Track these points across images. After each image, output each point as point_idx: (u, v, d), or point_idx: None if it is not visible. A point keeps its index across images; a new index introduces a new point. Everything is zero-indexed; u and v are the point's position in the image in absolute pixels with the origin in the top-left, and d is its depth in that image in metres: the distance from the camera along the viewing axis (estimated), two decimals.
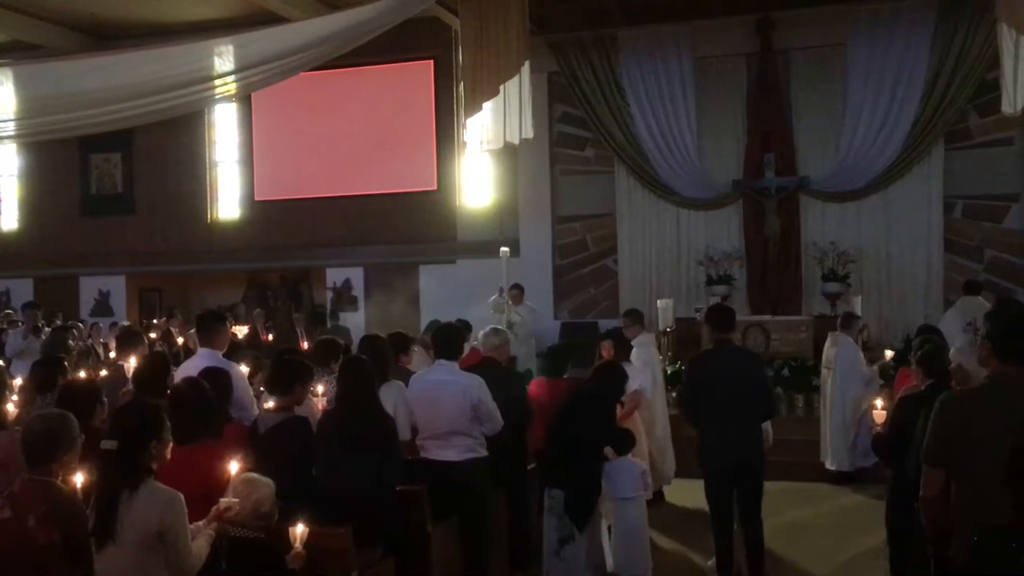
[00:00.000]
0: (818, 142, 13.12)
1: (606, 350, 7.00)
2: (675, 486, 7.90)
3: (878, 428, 5.13)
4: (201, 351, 5.95)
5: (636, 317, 8.23)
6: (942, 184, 12.69)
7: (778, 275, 12.79)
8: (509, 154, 12.62)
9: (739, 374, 5.74)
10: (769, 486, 5.96)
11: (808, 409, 10.21)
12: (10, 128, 9.38)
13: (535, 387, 6.75)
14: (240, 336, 11.16)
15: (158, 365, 5.46)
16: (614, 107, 13.59)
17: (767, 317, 11.44)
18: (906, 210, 12.75)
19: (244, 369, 6.05)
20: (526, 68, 9.05)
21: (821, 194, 12.93)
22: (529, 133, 9.39)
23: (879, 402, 5.37)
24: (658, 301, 12.12)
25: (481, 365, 6.20)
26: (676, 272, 13.57)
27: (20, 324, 11.64)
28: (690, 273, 13.44)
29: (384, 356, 5.85)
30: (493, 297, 11.90)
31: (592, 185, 14.12)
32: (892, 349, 9.54)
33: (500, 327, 7.42)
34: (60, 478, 3.62)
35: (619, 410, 6.58)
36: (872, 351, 11.50)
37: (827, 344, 9.07)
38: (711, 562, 6.18)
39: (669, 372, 10.81)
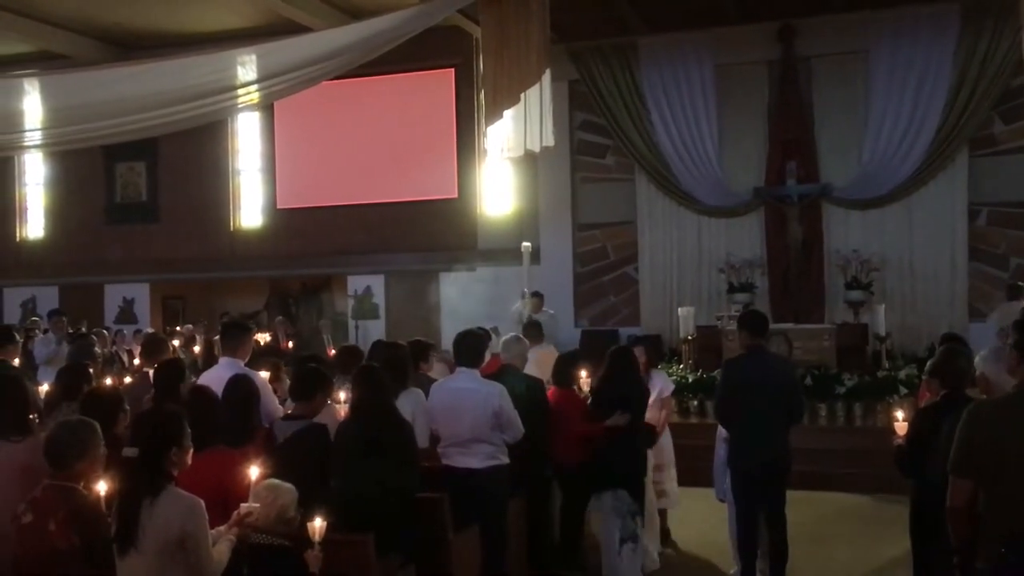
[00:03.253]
0: (840, 149, 13.03)
1: (639, 357, 6.97)
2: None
3: (899, 439, 5.08)
4: (223, 360, 5.98)
5: None
6: (966, 191, 12.58)
7: (800, 283, 12.70)
8: (529, 162, 12.60)
9: (771, 379, 5.81)
10: (791, 495, 5.92)
11: (831, 417, 10.14)
12: (36, 137, 9.50)
13: (549, 397, 6.71)
14: (262, 343, 11.23)
15: (172, 371, 5.51)
16: (635, 115, 13.57)
17: (789, 325, 11.36)
18: (930, 217, 12.63)
19: (264, 374, 6.08)
20: (547, 76, 9.05)
21: (844, 201, 12.85)
22: (550, 141, 9.37)
23: (900, 413, 5.32)
24: (679, 309, 12.08)
25: (501, 372, 6.20)
26: (697, 280, 13.52)
27: (46, 331, 11.76)
28: (711, 281, 13.38)
29: (402, 363, 5.86)
30: (516, 305, 11.89)
31: (613, 193, 14.10)
32: (916, 358, 9.45)
33: (520, 335, 7.42)
34: (83, 484, 3.66)
35: (656, 415, 6.78)
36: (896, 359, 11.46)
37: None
38: (734, 571, 6.14)
39: (691, 380, 10.77)
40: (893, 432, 5.21)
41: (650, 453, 6.75)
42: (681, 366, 11.45)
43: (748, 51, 13.22)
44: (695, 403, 10.66)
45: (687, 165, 13.44)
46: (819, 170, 12.98)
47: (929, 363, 5.17)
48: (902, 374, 10.48)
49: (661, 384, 7.08)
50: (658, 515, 6.97)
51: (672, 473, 7.16)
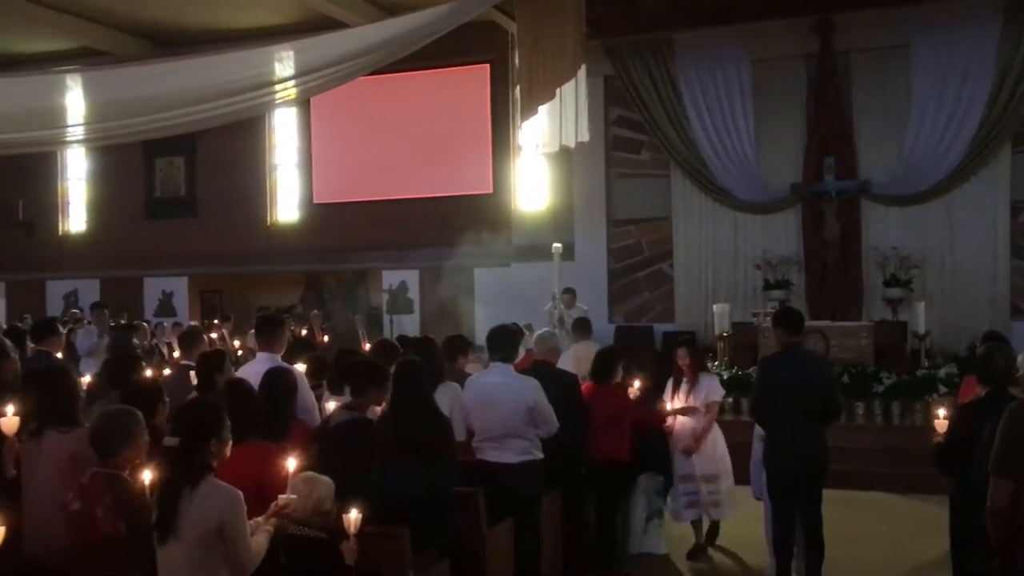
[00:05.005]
0: (880, 145, 12.86)
1: (681, 359, 6.95)
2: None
3: (939, 438, 5.02)
4: (260, 355, 6.04)
5: None
6: (1009, 188, 12.37)
7: (837, 280, 12.56)
8: (564, 157, 12.61)
9: (807, 377, 5.76)
10: (828, 494, 5.87)
11: (868, 416, 10.03)
12: (79, 132, 9.67)
13: (585, 392, 6.72)
14: (301, 335, 11.34)
15: (211, 363, 5.59)
16: (670, 110, 13.50)
17: (826, 323, 11.24)
18: (971, 214, 12.43)
19: (301, 367, 6.15)
20: (582, 72, 9.03)
21: (883, 198, 12.68)
22: (585, 136, 9.35)
23: (941, 411, 5.26)
24: (714, 306, 12.01)
25: (535, 368, 6.21)
26: (732, 276, 13.42)
27: (87, 323, 11.96)
28: (747, 277, 13.28)
29: (437, 358, 5.89)
30: (548, 305, 11.88)
31: (648, 188, 14.03)
32: (956, 357, 9.32)
33: (554, 330, 7.43)
34: (128, 472, 3.73)
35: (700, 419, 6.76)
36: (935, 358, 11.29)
37: None
38: (768, 568, 6.10)
39: (726, 377, 10.70)
40: (933, 430, 5.16)
41: (696, 462, 6.73)
42: (716, 363, 11.38)
43: (785, 46, 13.09)
44: (730, 400, 10.59)
45: (723, 161, 13.34)
46: (858, 166, 12.82)
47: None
48: (942, 373, 10.33)
49: (708, 388, 6.89)
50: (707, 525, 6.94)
51: (727, 484, 6.86)
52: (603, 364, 6.67)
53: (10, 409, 4.35)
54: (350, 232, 15.70)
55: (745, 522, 6.78)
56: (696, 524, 6.93)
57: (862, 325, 11.27)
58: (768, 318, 10.83)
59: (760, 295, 12.77)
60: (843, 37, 12.78)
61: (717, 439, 6.90)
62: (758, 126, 13.21)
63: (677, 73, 13.44)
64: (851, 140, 12.88)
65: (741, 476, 6.79)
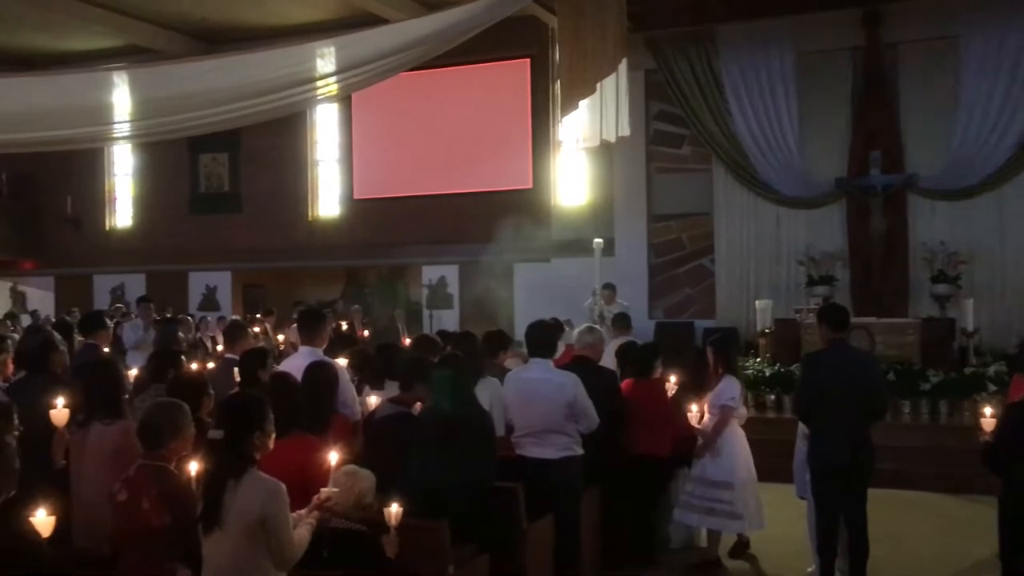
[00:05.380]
0: (928, 139, 12.61)
1: (709, 357, 6.87)
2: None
3: (987, 437, 4.92)
4: (302, 349, 6.10)
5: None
6: None
7: (883, 276, 12.36)
8: (605, 152, 12.56)
9: (852, 374, 5.67)
10: (873, 493, 5.79)
11: (915, 414, 9.87)
12: (125, 129, 9.81)
13: (625, 388, 6.70)
14: (342, 329, 11.43)
15: (254, 358, 5.65)
16: (712, 104, 13.37)
17: (872, 319, 11.08)
18: (1021, 209, 12.16)
19: (343, 362, 6.19)
20: (623, 66, 8.97)
21: (930, 192, 12.45)
22: (625, 131, 9.30)
23: (989, 410, 5.15)
24: (756, 302, 11.89)
25: (575, 363, 6.20)
26: (775, 272, 13.27)
27: (133, 317, 12.16)
28: (790, 273, 13.11)
29: (477, 353, 5.90)
30: (588, 301, 11.86)
31: (689, 183, 13.92)
32: (1006, 355, 9.13)
33: (594, 325, 7.41)
34: (173, 464, 3.78)
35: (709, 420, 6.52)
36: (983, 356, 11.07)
37: None
38: (812, 569, 6.04)
39: (768, 374, 10.60)
40: (981, 429, 5.06)
41: (708, 466, 6.44)
42: (758, 360, 11.27)
43: (831, 38, 12.89)
44: (772, 398, 10.50)
45: (766, 155, 13.19)
46: (904, 160, 12.60)
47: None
48: (991, 371, 10.12)
49: (720, 390, 6.52)
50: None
51: (747, 493, 6.46)
52: (643, 359, 6.65)
53: (60, 401, 4.43)
54: (390, 227, 15.79)
55: (787, 521, 6.71)
56: (713, 535, 6.59)
57: (908, 322, 11.10)
58: (811, 315, 10.72)
59: (803, 291, 12.60)
60: (891, 29, 12.56)
61: (734, 445, 6.47)
62: (802, 120, 13.03)
63: (720, 66, 13.30)
64: (898, 134, 12.65)
65: (782, 474, 6.70)
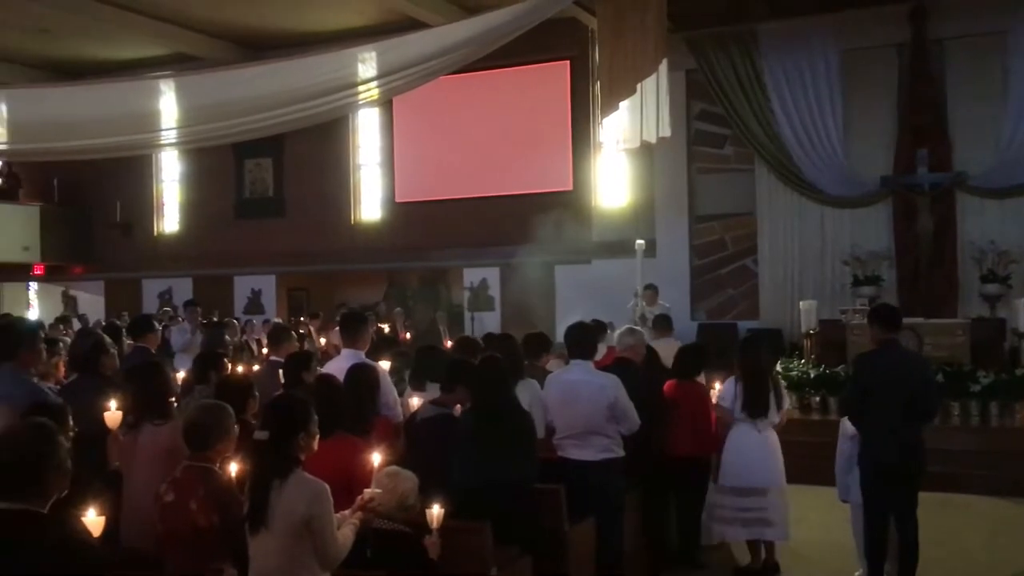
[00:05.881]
0: (976, 136, 12.38)
1: None
2: None
3: None
4: (344, 352, 6.16)
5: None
6: None
7: (931, 276, 12.16)
8: (645, 153, 12.51)
9: (904, 374, 5.61)
10: (923, 496, 5.69)
11: (964, 417, 9.68)
12: (172, 136, 10.01)
13: (668, 389, 6.67)
14: (384, 331, 11.52)
15: (298, 361, 5.72)
16: (755, 103, 13.24)
17: (920, 320, 10.88)
18: None
19: (385, 365, 6.25)
20: (663, 66, 8.95)
21: (979, 190, 12.22)
22: (666, 131, 9.27)
23: None
24: (800, 302, 11.74)
25: (616, 364, 6.18)
26: (820, 272, 13.11)
27: (180, 320, 12.36)
28: (835, 273, 12.96)
29: (516, 355, 5.91)
30: (630, 303, 11.81)
31: (731, 183, 13.82)
32: None
33: (635, 327, 7.38)
34: (218, 465, 3.84)
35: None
36: None
37: None
38: (859, 574, 5.95)
39: (813, 375, 10.47)
40: None
41: (738, 474, 6.27)
42: (803, 361, 11.14)
43: (876, 34, 12.71)
44: (817, 399, 10.37)
45: (810, 154, 13.04)
46: (952, 158, 12.38)
47: None
48: None
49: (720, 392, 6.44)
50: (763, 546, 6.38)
51: (774, 500, 6.25)
52: (686, 360, 6.62)
53: (113, 404, 4.51)
54: (431, 230, 15.86)
55: (832, 524, 6.62)
56: (752, 545, 6.38)
57: (958, 322, 10.89)
58: (857, 315, 10.57)
59: (849, 292, 12.44)
60: (937, 24, 12.35)
61: (764, 450, 6.23)
62: (847, 118, 12.87)
63: (762, 65, 13.18)
64: (945, 131, 12.44)
65: (826, 477, 6.60)
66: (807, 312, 11.35)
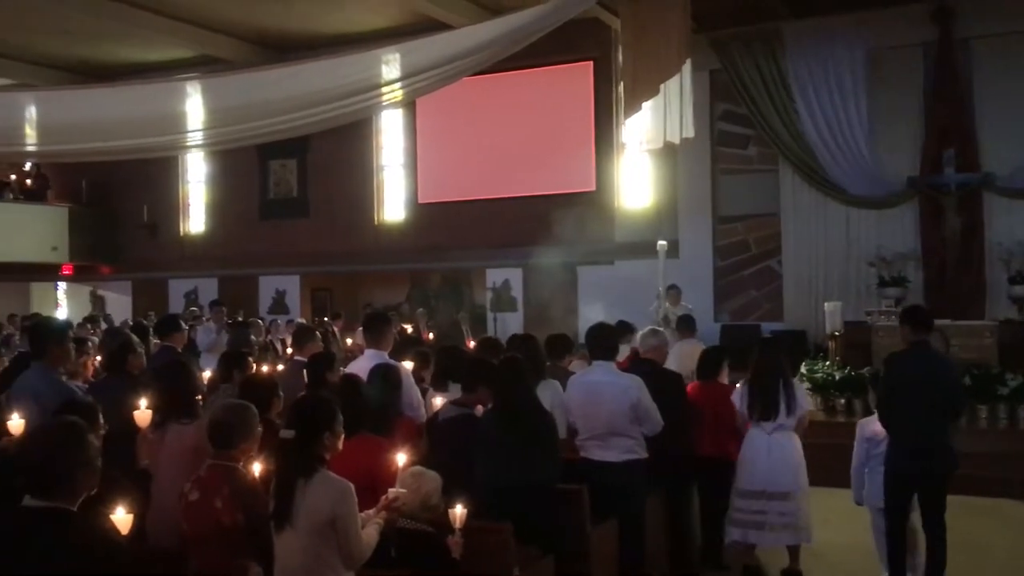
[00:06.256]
0: (1003, 136, 12.23)
1: None
2: None
3: None
4: (368, 352, 6.19)
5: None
6: None
7: (958, 277, 12.05)
8: (669, 154, 12.47)
9: (933, 377, 5.59)
10: (949, 500, 5.64)
11: (992, 420, 9.58)
12: (199, 137, 10.10)
13: (691, 390, 6.66)
14: (408, 332, 11.55)
15: (321, 361, 5.76)
16: (779, 103, 13.17)
17: (947, 321, 10.75)
18: None
19: (409, 365, 6.27)
20: (687, 66, 8.93)
21: (1007, 191, 12.09)
22: (690, 132, 9.25)
23: None
24: (825, 304, 11.64)
25: (638, 365, 6.17)
26: (845, 274, 13.02)
27: (205, 320, 12.47)
28: (860, 275, 12.85)
29: (538, 355, 5.92)
30: (653, 305, 11.78)
31: (755, 184, 13.75)
32: None
33: (659, 328, 7.36)
34: (242, 464, 3.87)
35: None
36: None
37: None
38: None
39: (838, 377, 10.40)
40: None
41: (760, 476, 6.16)
42: (827, 363, 11.06)
43: (901, 34, 12.61)
44: (842, 401, 10.29)
45: (834, 155, 12.94)
46: (979, 158, 12.26)
47: None
48: None
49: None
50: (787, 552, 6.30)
51: (797, 505, 6.13)
52: (709, 361, 6.61)
53: (143, 403, 4.56)
54: (454, 231, 15.90)
55: (855, 527, 6.56)
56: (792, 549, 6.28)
57: (985, 324, 10.77)
58: (883, 317, 10.49)
59: (874, 293, 12.34)
60: (963, 24, 12.24)
61: (785, 452, 6.10)
62: (872, 118, 12.77)
63: (786, 65, 13.11)
64: (972, 131, 12.32)
65: (838, 479, 6.55)
66: (832, 313, 11.26)
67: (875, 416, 5.84)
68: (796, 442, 6.18)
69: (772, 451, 6.08)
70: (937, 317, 10.90)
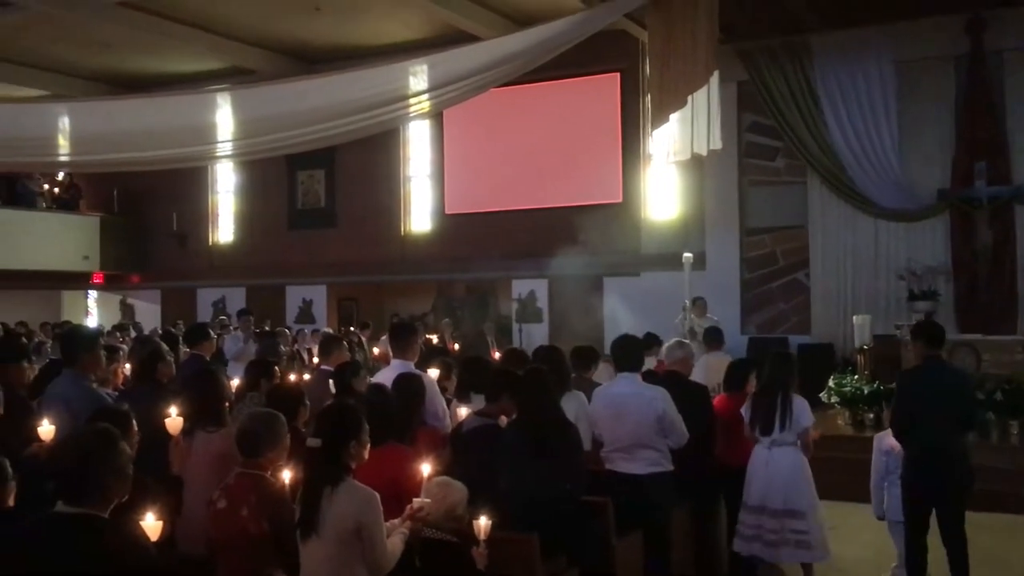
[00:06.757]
0: None
1: None
2: None
3: None
4: (394, 362, 6.21)
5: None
6: None
7: (990, 291, 11.90)
8: (696, 165, 12.42)
9: (947, 391, 5.62)
10: (980, 517, 5.59)
11: (1023, 436, 9.43)
12: (228, 148, 10.20)
13: (718, 402, 6.62)
14: (433, 342, 11.57)
15: (346, 371, 5.80)
16: (807, 115, 13.10)
17: (977, 336, 10.65)
18: None
19: (434, 372, 6.29)
20: (714, 78, 8.89)
21: None
22: (717, 144, 9.20)
23: None
24: (854, 317, 11.54)
25: (664, 378, 6.15)
26: (874, 287, 12.90)
27: (233, 329, 12.56)
28: (889, 288, 12.73)
29: (563, 367, 5.91)
30: (678, 317, 11.73)
31: (783, 196, 13.67)
32: None
33: (684, 340, 7.33)
34: (270, 472, 3.90)
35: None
36: None
37: None
38: None
39: (866, 391, 10.29)
40: None
41: (770, 492, 6.02)
42: (856, 377, 10.95)
43: (932, 46, 12.51)
44: (871, 416, 10.17)
45: (864, 167, 12.85)
46: (1011, 171, 12.12)
47: None
48: None
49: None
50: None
51: (813, 522, 5.96)
52: (736, 373, 6.58)
53: (174, 410, 4.60)
54: (481, 241, 15.93)
55: (878, 541, 6.49)
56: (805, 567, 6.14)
57: (1017, 339, 10.62)
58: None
59: (904, 306, 12.21)
60: (995, 36, 12.12)
61: (782, 466, 5.96)
62: (902, 130, 12.67)
63: (814, 76, 13.04)
64: (1004, 144, 12.18)
65: (866, 494, 6.47)
66: (860, 327, 11.16)
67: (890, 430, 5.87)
68: (797, 458, 5.98)
69: (769, 465, 5.97)
70: (968, 331, 10.93)
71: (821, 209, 13.29)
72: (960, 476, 5.56)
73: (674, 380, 6.07)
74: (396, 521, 3.80)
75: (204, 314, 17.48)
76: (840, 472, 7.34)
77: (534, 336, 14.38)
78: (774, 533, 5.92)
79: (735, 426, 6.20)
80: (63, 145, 9.60)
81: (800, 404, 6.00)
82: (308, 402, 5.14)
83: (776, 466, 5.95)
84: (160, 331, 12.77)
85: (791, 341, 13.12)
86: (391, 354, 6.61)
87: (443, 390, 6.18)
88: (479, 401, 5.51)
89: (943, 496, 5.55)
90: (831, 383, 10.42)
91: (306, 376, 7.90)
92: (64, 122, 9.12)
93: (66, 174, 18.82)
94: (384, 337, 11.51)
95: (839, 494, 7.28)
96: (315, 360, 9.48)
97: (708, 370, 7.99)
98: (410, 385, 5.17)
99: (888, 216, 12.78)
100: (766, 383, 6.12)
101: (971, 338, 10.52)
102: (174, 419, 4.49)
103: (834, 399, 10.25)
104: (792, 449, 5.98)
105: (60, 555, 2.65)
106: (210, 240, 18.90)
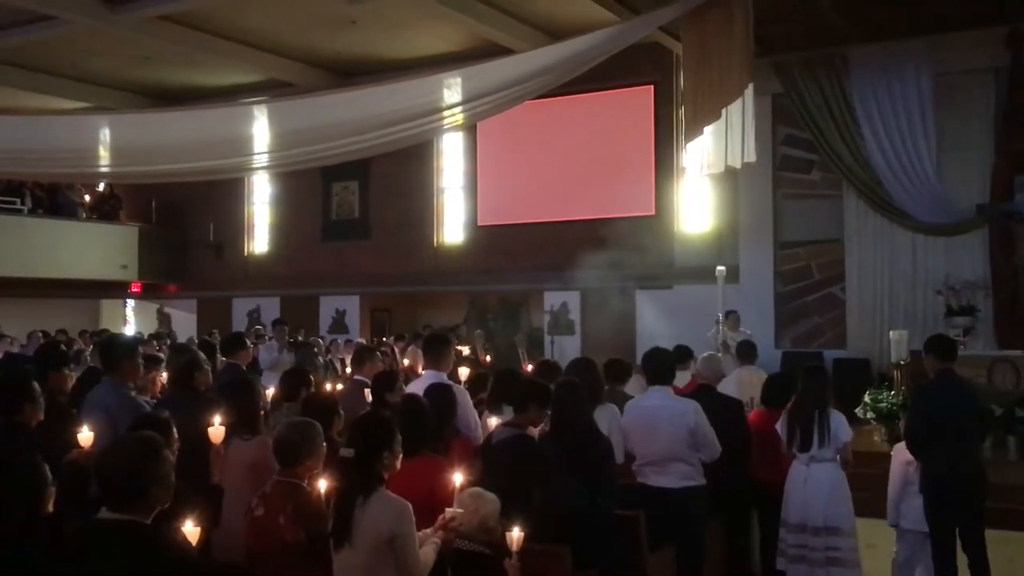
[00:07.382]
0: None
1: None
2: None
3: None
4: (427, 373, 6.24)
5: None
6: None
7: None
8: (729, 178, 12.36)
9: (960, 404, 5.73)
10: (1009, 535, 5.60)
11: None
12: (264, 160, 10.31)
13: (755, 417, 6.57)
14: (464, 354, 11.60)
15: (382, 381, 5.83)
16: (843, 128, 12.98)
17: (1017, 352, 10.44)
18: None
19: (464, 371, 6.31)
20: (749, 90, 8.84)
21: None
22: (752, 157, 9.15)
23: None
24: (891, 332, 11.38)
25: (698, 391, 6.12)
26: (911, 302, 12.72)
27: (268, 339, 12.69)
28: (927, 303, 12.55)
29: (596, 379, 5.90)
30: (711, 331, 11.66)
31: (818, 209, 13.55)
32: None
33: (715, 353, 7.30)
34: (307, 481, 3.93)
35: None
36: None
37: None
38: None
39: (902, 408, 10.15)
40: None
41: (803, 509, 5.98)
42: (892, 393, 10.80)
43: (971, 58, 12.35)
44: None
45: (901, 180, 12.70)
46: None
47: None
48: None
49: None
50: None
51: (851, 540, 5.94)
52: (778, 388, 6.50)
53: (217, 419, 4.65)
54: (513, 253, 15.95)
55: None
56: None
57: None
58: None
59: (942, 322, 12.03)
60: None
61: (821, 483, 5.91)
62: (940, 143, 12.51)
63: (852, 89, 12.92)
64: None
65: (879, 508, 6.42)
66: (897, 342, 11.00)
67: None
68: (836, 474, 5.93)
69: (808, 483, 5.92)
70: (1008, 347, 10.71)
71: (857, 223, 13.15)
72: (976, 487, 5.68)
73: (707, 394, 6.04)
74: (428, 531, 3.82)
75: (239, 323, 17.67)
76: (875, 488, 7.22)
77: (566, 348, 14.35)
78: (817, 552, 5.86)
79: (771, 441, 6.15)
80: (103, 156, 9.75)
81: (838, 419, 5.96)
82: (342, 411, 5.18)
83: (815, 483, 5.89)
84: (196, 340, 12.92)
85: (826, 355, 12.96)
86: (422, 364, 6.65)
87: (476, 403, 6.20)
88: (509, 412, 5.52)
89: (961, 507, 5.66)
90: (866, 398, 10.29)
91: (339, 386, 7.96)
92: (105, 134, 9.27)
93: (106, 185, 19.15)
94: (412, 347, 11.57)
95: (873, 511, 7.17)
96: (348, 370, 9.54)
97: (741, 384, 7.94)
98: (443, 395, 5.20)
99: (925, 230, 12.62)
100: (799, 398, 6.08)
101: (1011, 354, 10.32)
102: (216, 428, 4.54)
103: (870, 415, 10.11)
104: (831, 465, 5.93)
105: (107, 561, 2.69)
106: (246, 250, 19.11)
